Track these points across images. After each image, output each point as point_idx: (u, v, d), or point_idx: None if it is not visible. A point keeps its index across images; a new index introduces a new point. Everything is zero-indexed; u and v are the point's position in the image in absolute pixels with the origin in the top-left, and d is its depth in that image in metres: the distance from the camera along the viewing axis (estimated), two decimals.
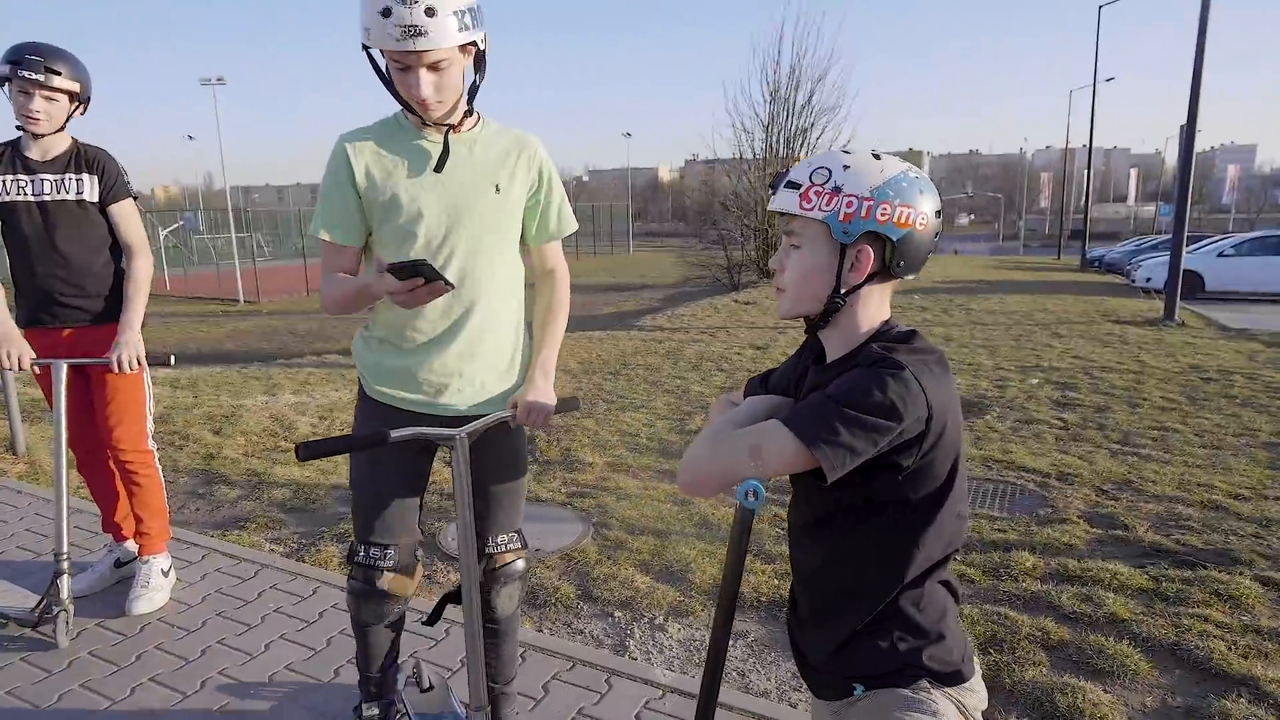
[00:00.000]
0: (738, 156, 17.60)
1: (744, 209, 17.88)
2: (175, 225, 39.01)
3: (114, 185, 2.63)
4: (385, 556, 1.75)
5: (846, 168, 1.21)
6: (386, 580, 1.75)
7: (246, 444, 4.93)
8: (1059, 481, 4.26)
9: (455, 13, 1.48)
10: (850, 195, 1.19)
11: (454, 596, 1.78)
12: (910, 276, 1.28)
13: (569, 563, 3.25)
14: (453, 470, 1.61)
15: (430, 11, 1.45)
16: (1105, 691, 2.34)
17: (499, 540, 1.83)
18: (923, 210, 1.21)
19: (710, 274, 18.66)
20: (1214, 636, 2.61)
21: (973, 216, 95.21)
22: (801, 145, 16.60)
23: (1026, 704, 2.30)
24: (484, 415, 1.70)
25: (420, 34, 1.46)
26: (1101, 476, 4.32)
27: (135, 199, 2.77)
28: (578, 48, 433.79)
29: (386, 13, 1.44)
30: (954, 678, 1.24)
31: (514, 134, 1.79)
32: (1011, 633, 2.66)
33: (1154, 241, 26.70)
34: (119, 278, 2.73)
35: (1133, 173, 62.93)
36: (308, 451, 1.43)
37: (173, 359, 2.83)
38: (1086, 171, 31.63)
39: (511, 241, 1.81)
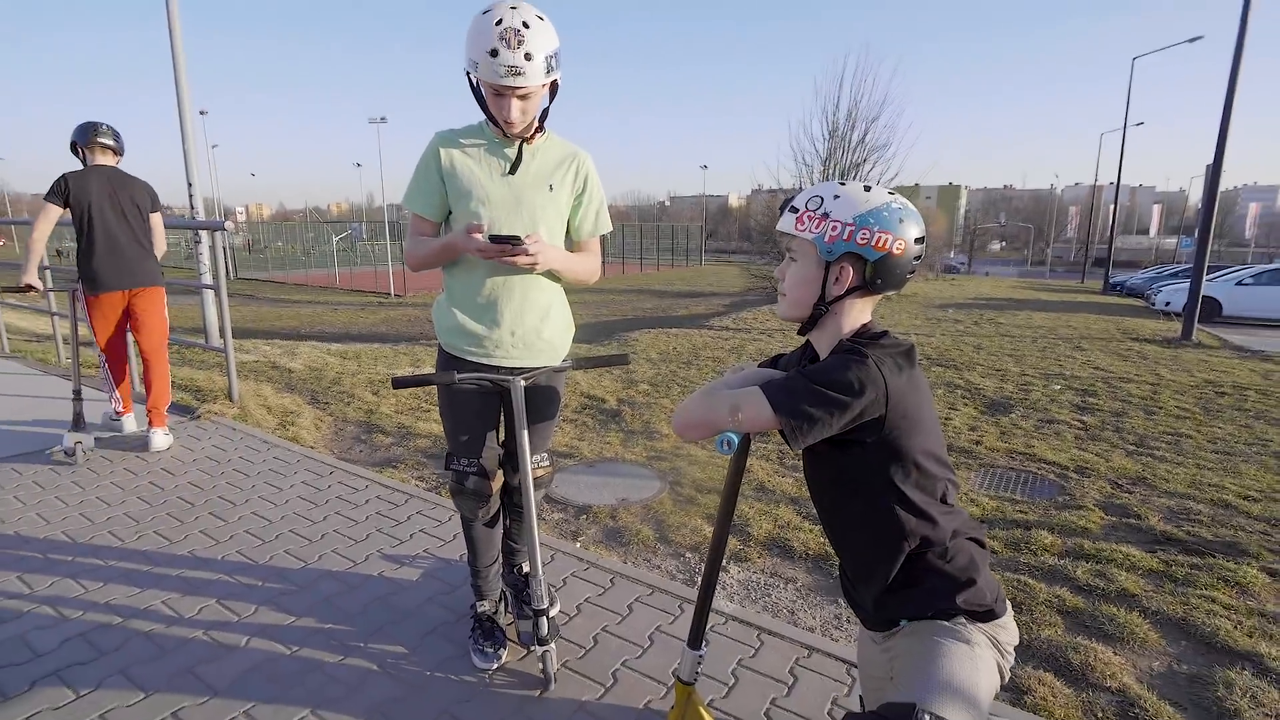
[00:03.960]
0: (798, 186, 17.19)
1: None
2: (345, 234, 41.18)
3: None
4: (469, 465, 1.88)
5: (837, 197, 1.23)
6: (472, 482, 1.88)
7: (397, 403, 5.18)
8: (1077, 474, 4.02)
9: (545, 58, 1.61)
10: (835, 220, 1.21)
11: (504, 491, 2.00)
12: (890, 292, 1.29)
13: (649, 511, 3.29)
14: (513, 407, 1.79)
15: (529, 57, 1.58)
16: (1115, 654, 2.22)
17: (535, 459, 1.92)
18: (901, 236, 1.21)
19: (769, 285, 18.31)
20: (1220, 615, 2.43)
21: (1004, 244, 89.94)
22: (854, 178, 16.05)
23: (1042, 657, 2.20)
24: (531, 368, 1.84)
25: (518, 74, 1.58)
26: (1117, 472, 4.05)
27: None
28: (661, 87, 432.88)
29: (494, 54, 1.56)
30: (987, 615, 1.22)
31: (570, 147, 1.87)
32: (1030, 598, 2.54)
33: (1174, 269, 24.64)
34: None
35: (1156, 209, 58.10)
36: (398, 383, 1.67)
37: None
38: (1113, 205, 29.40)
39: (559, 233, 1.86)
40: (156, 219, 3.61)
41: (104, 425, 3.89)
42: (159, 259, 3.64)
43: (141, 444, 3.61)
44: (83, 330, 3.61)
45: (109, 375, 3.67)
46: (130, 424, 3.82)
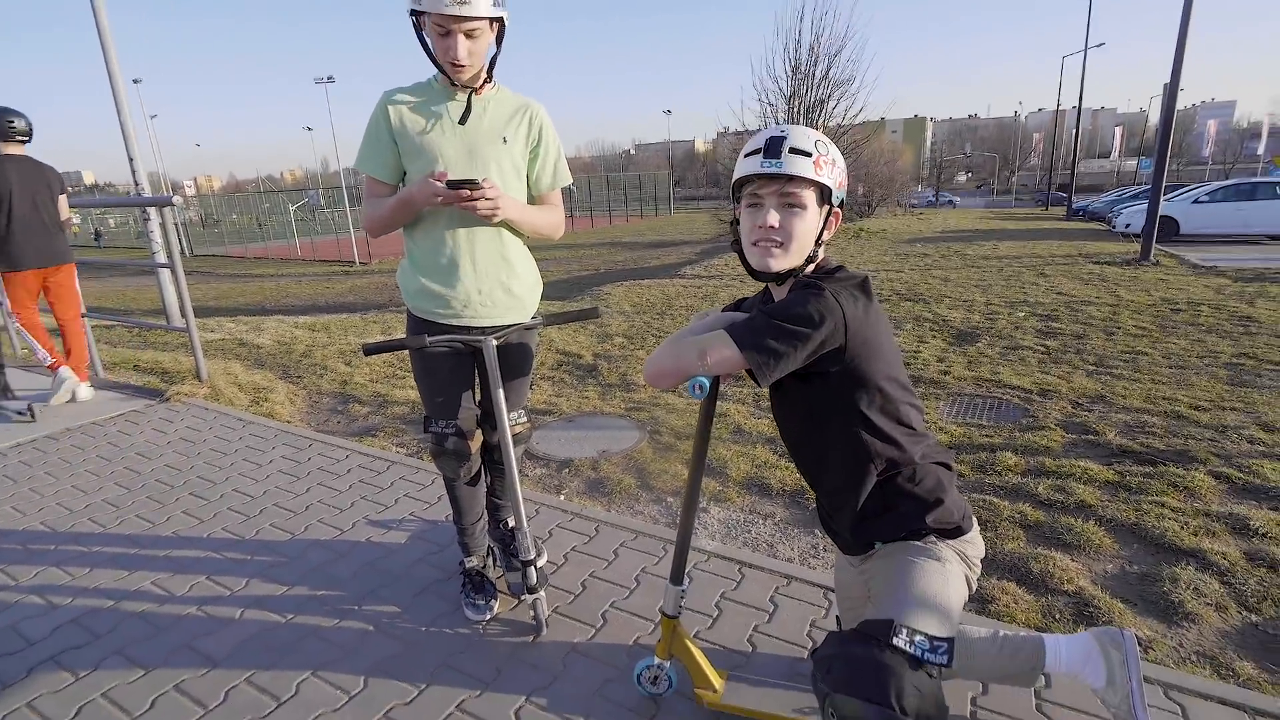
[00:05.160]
0: (764, 127, 16.95)
1: None
2: (302, 202, 39.72)
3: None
4: (446, 426, 1.91)
5: (823, 141, 1.25)
6: (450, 443, 1.91)
7: (371, 372, 5.15)
8: (1040, 397, 4.17)
9: None
10: (839, 167, 1.26)
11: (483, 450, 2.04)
12: None
13: (630, 461, 3.36)
14: (486, 365, 1.79)
15: None
16: (1073, 560, 2.36)
17: (512, 416, 1.95)
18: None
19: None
20: (1169, 519, 2.58)
21: (970, 174, 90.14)
22: (820, 115, 15.85)
23: (1005, 568, 2.34)
24: (501, 326, 1.85)
25: (464, 2, 1.55)
26: (1077, 392, 4.22)
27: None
28: (623, 34, 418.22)
29: None
30: (955, 532, 1.29)
31: (522, 99, 1.83)
32: (994, 515, 2.68)
33: (1134, 192, 24.99)
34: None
35: (1117, 131, 58.36)
36: (369, 349, 1.69)
37: None
38: (1075, 131, 29.54)
39: (517, 187, 1.84)
40: (63, 200, 3.98)
41: (54, 389, 4.07)
42: (67, 237, 4.06)
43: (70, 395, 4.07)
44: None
45: (35, 341, 4.00)
46: (68, 377, 4.07)
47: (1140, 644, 1.93)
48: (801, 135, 1.24)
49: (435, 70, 1.73)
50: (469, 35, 1.61)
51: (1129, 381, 4.39)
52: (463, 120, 1.73)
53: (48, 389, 4.09)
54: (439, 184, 1.63)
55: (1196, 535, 2.47)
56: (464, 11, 1.56)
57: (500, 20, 1.66)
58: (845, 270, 1.29)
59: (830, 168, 1.23)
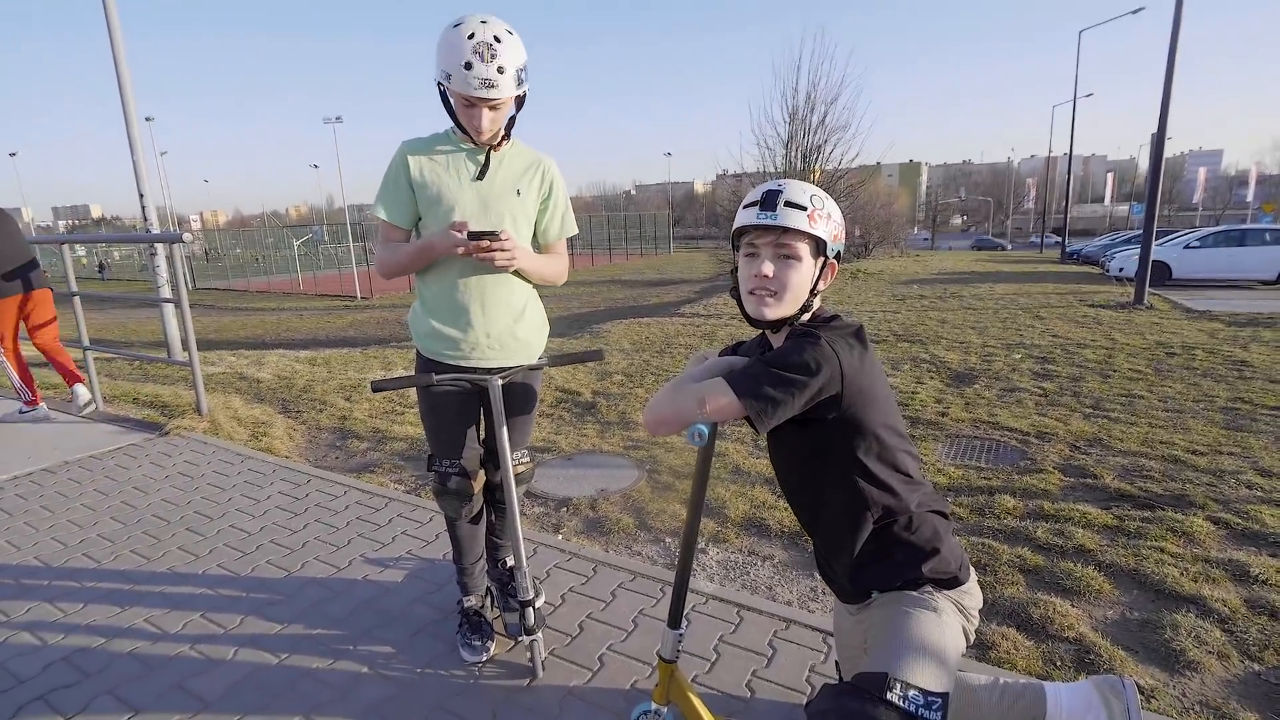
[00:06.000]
0: (761, 170, 17.30)
1: None
2: (306, 237, 40.24)
3: None
4: (450, 466, 1.93)
5: (815, 195, 1.30)
6: (454, 483, 1.93)
7: (370, 408, 5.16)
8: (1037, 439, 4.19)
9: (516, 71, 1.67)
10: (835, 221, 1.30)
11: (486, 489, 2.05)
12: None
13: (628, 500, 3.35)
14: (491, 404, 1.82)
15: (501, 70, 1.64)
16: (1073, 606, 2.35)
17: (515, 455, 1.98)
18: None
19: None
20: (1169, 564, 2.58)
21: (965, 217, 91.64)
22: (816, 160, 16.21)
23: (1004, 614, 2.32)
24: (507, 367, 1.88)
25: (491, 86, 1.64)
26: (1075, 435, 4.24)
27: None
28: (628, 83, 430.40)
29: (468, 66, 1.61)
30: (952, 582, 1.29)
31: (535, 154, 1.91)
32: (993, 559, 2.67)
33: (1127, 236, 25.41)
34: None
35: (1109, 177, 59.68)
36: (377, 386, 1.71)
37: None
38: (1067, 176, 30.19)
39: (526, 236, 1.91)
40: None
41: (42, 416, 4.44)
42: (40, 268, 4.37)
43: (78, 407, 4.47)
44: None
45: (16, 375, 4.33)
46: (82, 396, 4.48)
47: (1142, 692, 1.91)
48: (798, 189, 1.29)
49: (454, 123, 1.80)
50: (492, 108, 1.70)
51: (1126, 425, 4.42)
52: (480, 176, 1.81)
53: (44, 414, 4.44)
54: (461, 235, 1.69)
55: (1196, 582, 2.47)
56: (490, 95, 1.65)
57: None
58: (841, 319, 1.33)
59: (825, 221, 1.28)
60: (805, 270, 1.29)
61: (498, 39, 1.62)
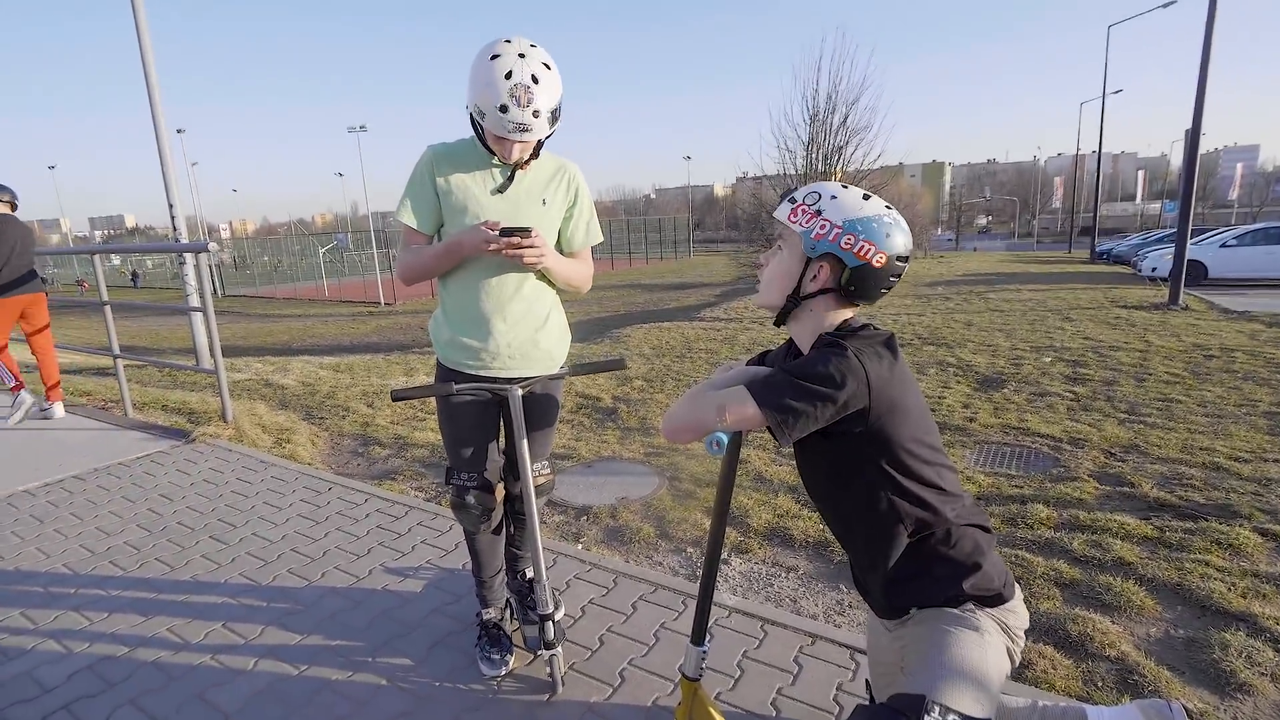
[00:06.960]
0: (781, 173, 17.17)
1: None
2: (331, 245, 40.98)
3: None
4: (470, 479, 1.89)
5: (834, 197, 1.25)
6: (473, 496, 1.90)
7: (392, 414, 5.18)
8: (1070, 445, 4.06)
9: (551, 110, 1.64)
10: (826, 219, 1.23)
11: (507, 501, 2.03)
12: (862, 303, 1.29)
13: (648, 508, 3.31)
14: (511, 415, 1.80)
15: (536, 114, 1.60)
16: (1114, 623, 2.25)
17: (535, 466, 1.94)
18: (883, 250, 1.22)
19: (758, 273, 18.32)
20: (1214, 579, 2.46)
21: (990, 217, 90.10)
22: (838, 162, 16.03)
23: (1042, 630, 2.23)
24: (528, 377, 1.85)
25: (526, 130, 1.62)
26: (1109, 441, 4.10)
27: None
28: (648, 90, 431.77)
29: (504, 109, 1.58)
30: (995, 600, 1.23)
31: (559, 161, 1.88)
32: (1028, 572, 2.58)
33: (1159, 235, 24.75)
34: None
35: (1139, 174, 58.29)
36: (397, 395, 1.67)
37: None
38: (1096, 174, 29.53)
39: (552, 241, 1.87)
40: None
41: (36, 414, 4.70)
42: (37, 272, 4.75)
43: (45, 414, 4.72)
44: None
45: (3, 365, 4.59)
46: (26, 400, 4.67)
47: (1190, 717, 1.81)
48: (810, 187, 1.28)
49: (483, 145, 1.76)
50: (524, 142, 1.68)
51: (1163, 430, 4.26)
52: (503, 189, 1.78)
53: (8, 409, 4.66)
54: (492, 231, 1.67)
55: (1245, 597, 2.35)
56: (525, 138, 1.64)
57: None
58: (871, 327, 1.28)
59: (811, 217, 1.23)
60: (785, 264, 1.28)
61: (535, 79, 1.57)
